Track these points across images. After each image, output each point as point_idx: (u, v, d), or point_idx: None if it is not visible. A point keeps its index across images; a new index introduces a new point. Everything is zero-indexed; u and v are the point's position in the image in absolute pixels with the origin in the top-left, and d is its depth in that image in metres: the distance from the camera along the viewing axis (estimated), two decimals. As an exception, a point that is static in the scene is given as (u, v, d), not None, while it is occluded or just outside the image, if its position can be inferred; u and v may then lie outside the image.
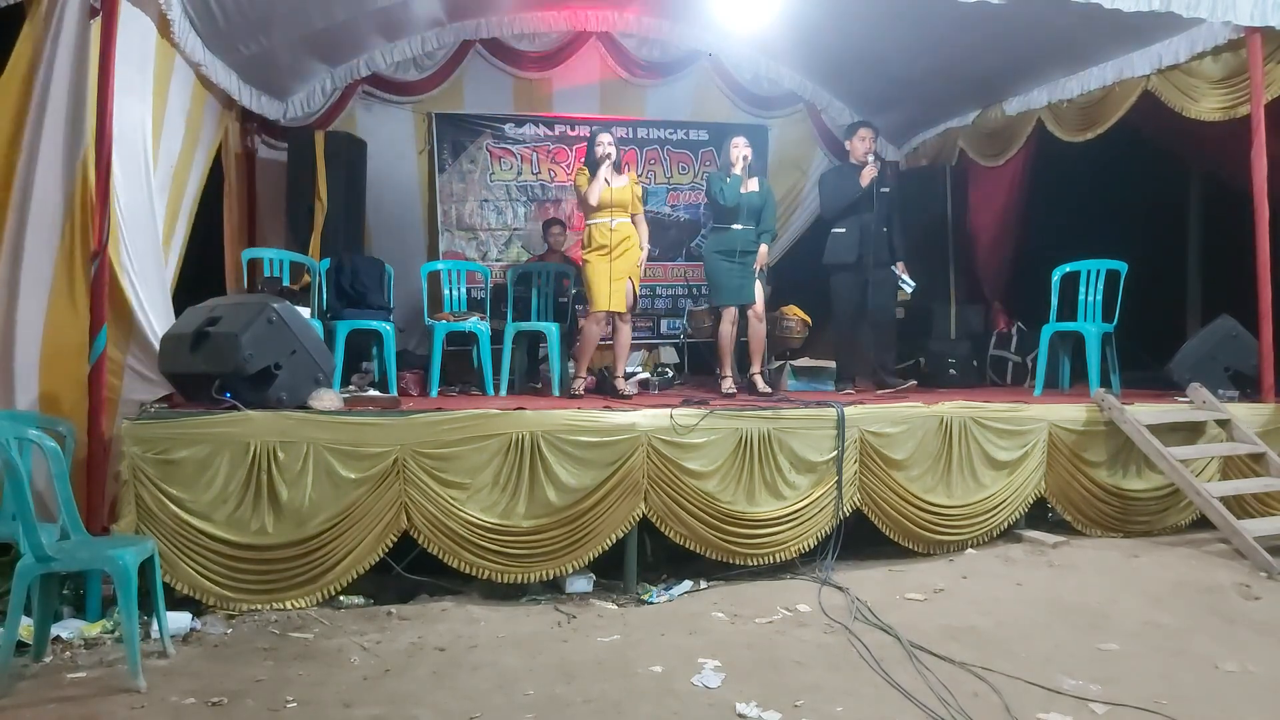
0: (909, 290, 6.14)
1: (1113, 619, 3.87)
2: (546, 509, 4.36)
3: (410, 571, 4.33)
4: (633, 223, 5.59)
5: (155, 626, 3.59)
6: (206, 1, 5.02)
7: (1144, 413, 5.04)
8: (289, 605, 4.09)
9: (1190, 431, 5.17)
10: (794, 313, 6.88)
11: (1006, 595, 4.21)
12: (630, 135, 7.99)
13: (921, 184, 7.70)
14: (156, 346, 4.36)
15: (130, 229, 4.38)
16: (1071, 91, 6.50)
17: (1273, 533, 4.59)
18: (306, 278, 5.74)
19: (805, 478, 4.70)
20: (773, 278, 7.56)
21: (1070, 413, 5.09)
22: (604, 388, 5.76)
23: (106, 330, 4.08)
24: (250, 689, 3.23)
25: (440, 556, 4.28)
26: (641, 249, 5.62)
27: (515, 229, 7.96)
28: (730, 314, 5.75)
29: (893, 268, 6.07)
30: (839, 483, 4.70)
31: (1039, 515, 5.18)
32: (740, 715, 3.01)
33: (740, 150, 5.70)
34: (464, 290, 6.47)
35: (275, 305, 4.29)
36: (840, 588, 4.33)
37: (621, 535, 4.45)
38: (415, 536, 4.26)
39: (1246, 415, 5.17)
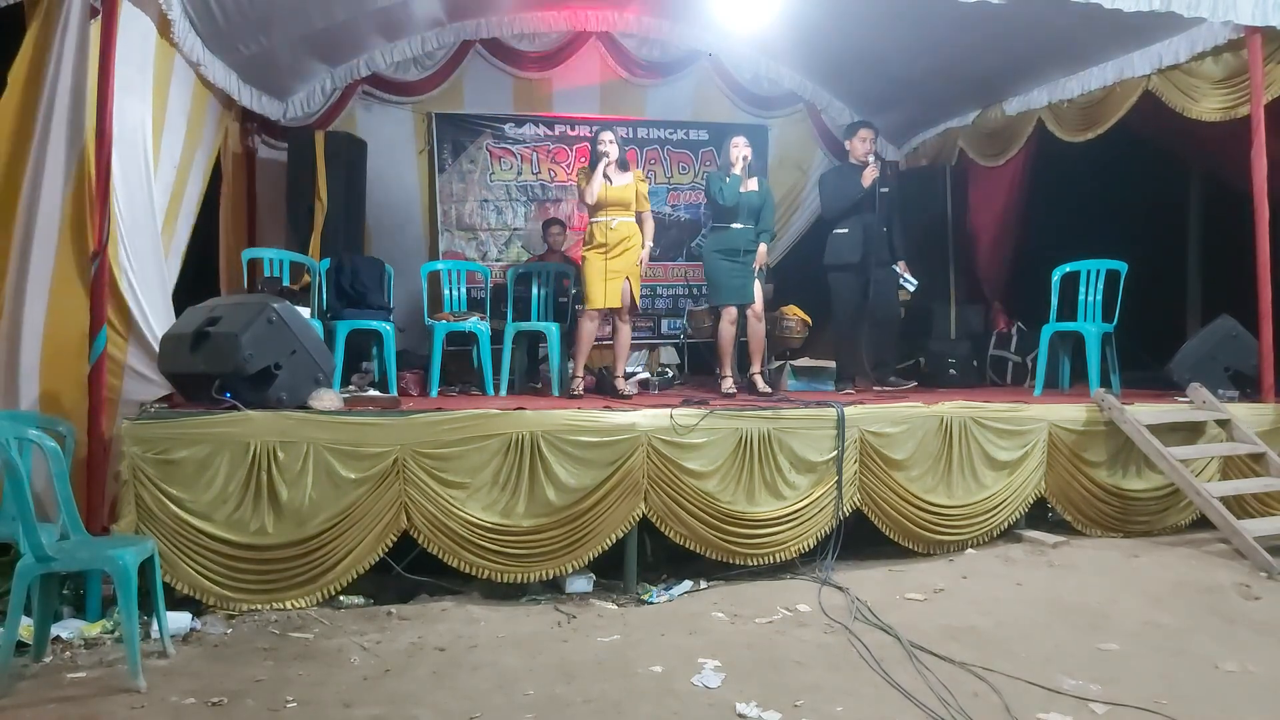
0: (911, 289, 6.15)
1: (1113, 619, 3.87)
2: (546, 509, 4.36)
3: (410, 571, 4.33)
4: (639, 220, 5.58)
5: (155, 626, 3.58)
6: (206, 1, 5.02)
7: (1144, 413, 5.04)
8: (289, 605, 4.09)
9: (1190, 431, 5.17)
10: (794, 313, 6.88)
11: (1006, 595, 4.21)
12: (630, 135, 7.98)
13: (921, 184, 7.69)
14: (156, 346, 4.36)
15: (130, 229, 4.38)
16: (1072, 91, 6.50)
17: (1273, 533, 4.59)
18: (306, 278, 5.74)
19: (805, 478, 4.70)
20: (773, 278, 7.56)
21: (1070, 413, 5.09)
22: (604, 388, 5.76)
23: (106, 330, 4.08)
24: (250, 689, 3.23)
25: (440, 556, 4.28)
26: (644, 247, 5.61)
27: (515, 229, 7.96)
28: (730, 314, 5.75)
29: (894, 267, 6.08)
30: (839, 483, 4.70)
31: (1039, 515, 5.19)
32: (740, 715, 3.01)
33: (740, 150, 5.70)
34: (464, 290, 6.47)
35: (275, 305, 4.29)
36: (840, 588, 4.33)
37: (621, 535, 4.45)
38: (415, 536, 4.26)
39: (1246, 415, 5.17)
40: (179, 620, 3.79)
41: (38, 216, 4.12)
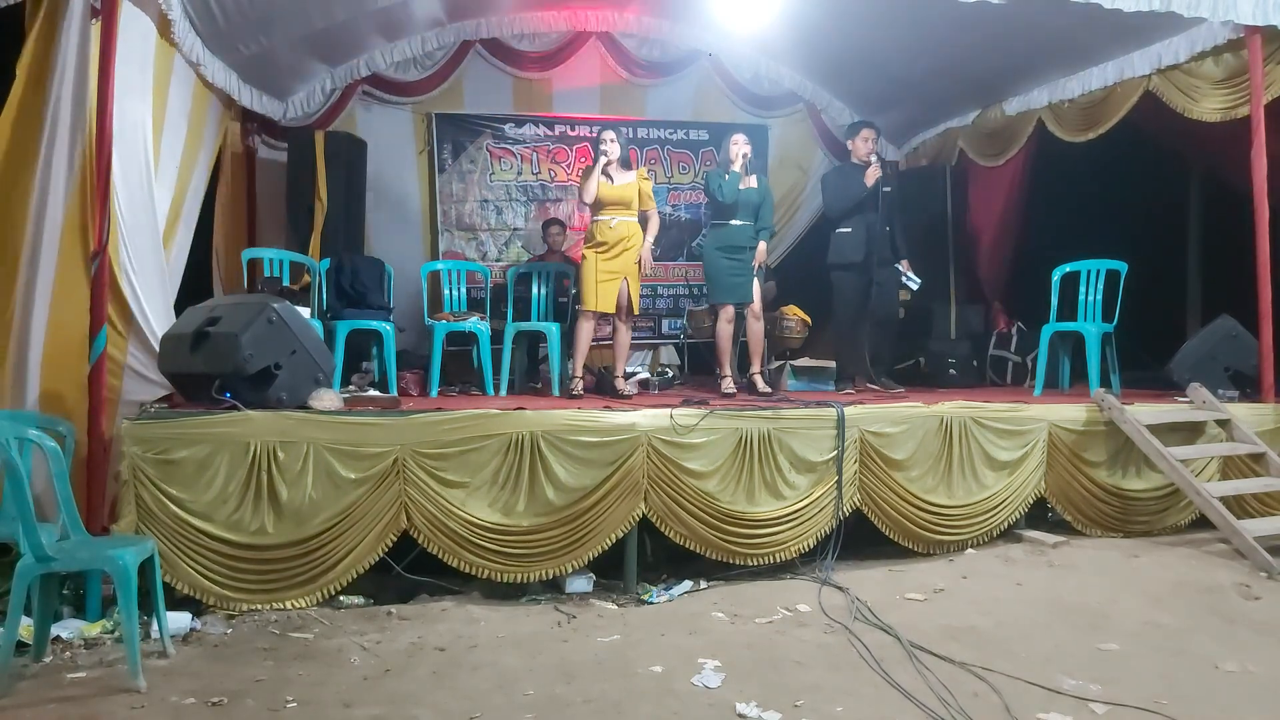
0: (914, 288, 6.15)
1: (1113, 619, 3.87)
2: (546, 508, 4.36)
3: (410, 571, 4.33)
4: (644, 219, 5.58)
5: (155, 626, 3.59)
6: (206, 1, 5.02)
7: (1144, 413, 5.04)
8: (289, 605, 4.09)
9: (1190, 431, 5.17)
10: (794, 313, 6.89)
11: (1006, 595, 4.21)
12: (630, 135, 7.92)
13: (921, 184, 7.69)
14: (156, 346, 4.36)
15: (131, 229, 4.38)
16: (1072, 91, 6.50)
17: (1273, 533, 4.59)
18: (306, 278, 5.74)
19: (805, 478, 4.70)
20: (774, 277, 7.56)
21: (1070, 413, 5.09)
22: (604, 388, 5.76)
23: (106, 330, 4.08)
24: (250, 689, 3.23)
25: (440, 556, 4.28)
26: (645, 243, 5.57)
27: (515, 229, 7.96)
28: (727, 312, 5.75)
29: (897, 265, 6.09)
30: (839, 483, 4.70)
31: (1039, 515, 5.19)
32: (740, 715, 3.01)
33: (740, 148, 5.71)
34: (464, 290, 6.47)
35: (275, 305, 4.29)
36: (840, 588, 4.33)
37: (621, 535, 4.45)
38: (415, 536, 4.26)
39: (1246, 415, 5.17)
40: (179, 620, 3.79)
41: (45, 218, 4.14)
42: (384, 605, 4.18)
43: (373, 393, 5.18)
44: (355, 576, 4.21)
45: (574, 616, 4.07)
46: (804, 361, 6.43)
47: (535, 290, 6.23)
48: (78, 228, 4.15)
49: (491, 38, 7.68)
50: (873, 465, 4.77)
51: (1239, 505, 4.83)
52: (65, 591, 3.84)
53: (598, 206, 5.47)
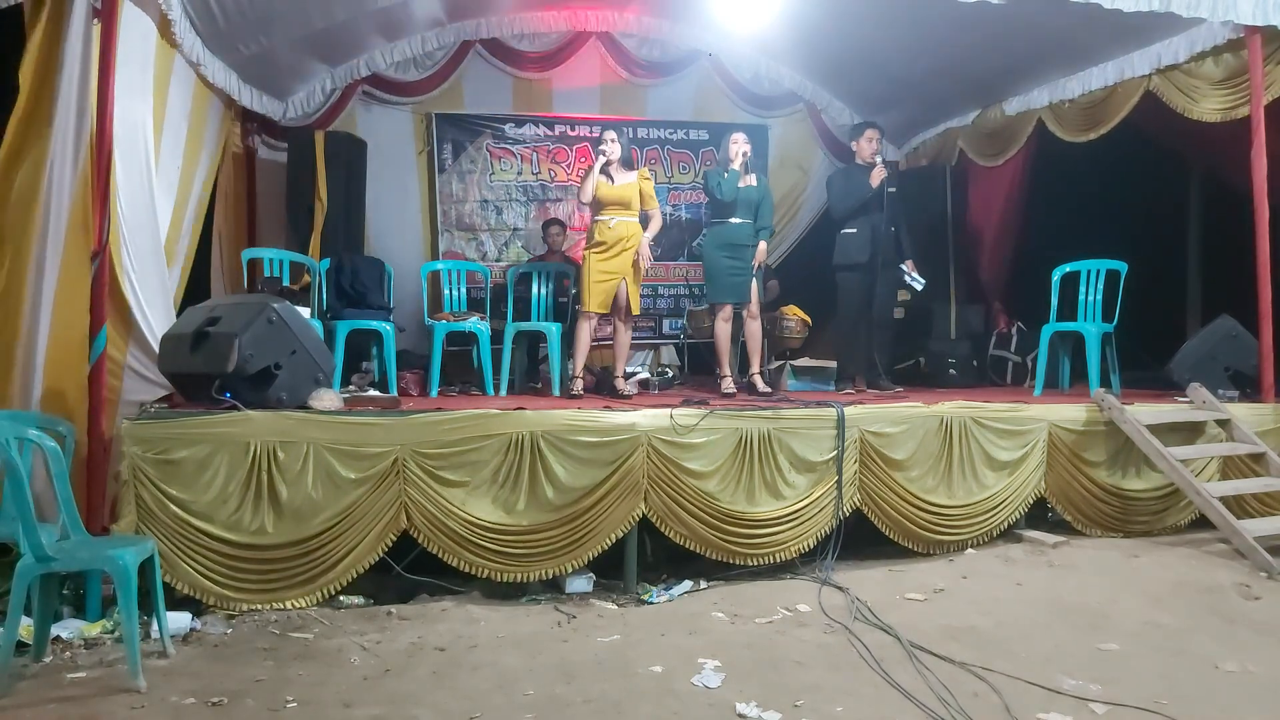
0: (919, 287, 6.16)
1: (1113, 619, 3.87)
2: (546, 508, 4.36)
3: (410, 571, 4.33)
4: (645, 218, 5.57)
5: (155, 626, 3.58)
6: (206, 1, 5.02)
7: (1144, 413, 5.04)
8: (289, 605, 4.09)
9: (1190, 431, 5.17)
10: (794, 313, 6.89)
11: (1006, 595, 4.21)
12: (631, 135, 7.93)
13: (921, 184, 7.69)
14: (156, 347, 4.36)
15: (132, 229, 4.38)
16: (1072, 91, 6.50)
17: (1273, 533, 4.59)
18: (306, 278, 5.74)
19: (805, 478, 4.70)
20: (775, 277, 7.56)
21: (1070, 413, 5.09)
22: (604, 388, 5.76)
23: (106, 330, 4.08)
24: (250, 689, 3.23)
25: (440, 555, 4.29)
26: (644, 240, 5.51)
27: (515, 229, 7.96)
28: (725, 312, 5.75)
29: (901, 266, 6.10)
30: (839, 483, 4.70)
31: (1039, 515, 5.19)
32: (740, 715, 3.01)
33: (740, 146, 5.71)
34: (464, 290, 6.47)
35: (275, 305, 4.29)
36: (840, 588, 4.33)
37: (621, 535, 4.45)
38: (415, 536, 4.26)
39: (1246, 415, 5.17)
40: (179, 620, 3.79)
41: (51, 218, 4.15)
42: (384, 605, 4.18)
43: (373, 393, 5.18)
44: (355, 576, 4.21)
45: (574, 616, 4.07)
46: (804, 361, 6.43)
47: (535, 290, 6.23)
48: (81, 228, 4.16)
49: (491, 38, 7.68)
50: (873, 465, 4.77)
51: (1239, 505, 4.83)
52: (65, 591, 3.84)
53: (597, 207, 5.47)
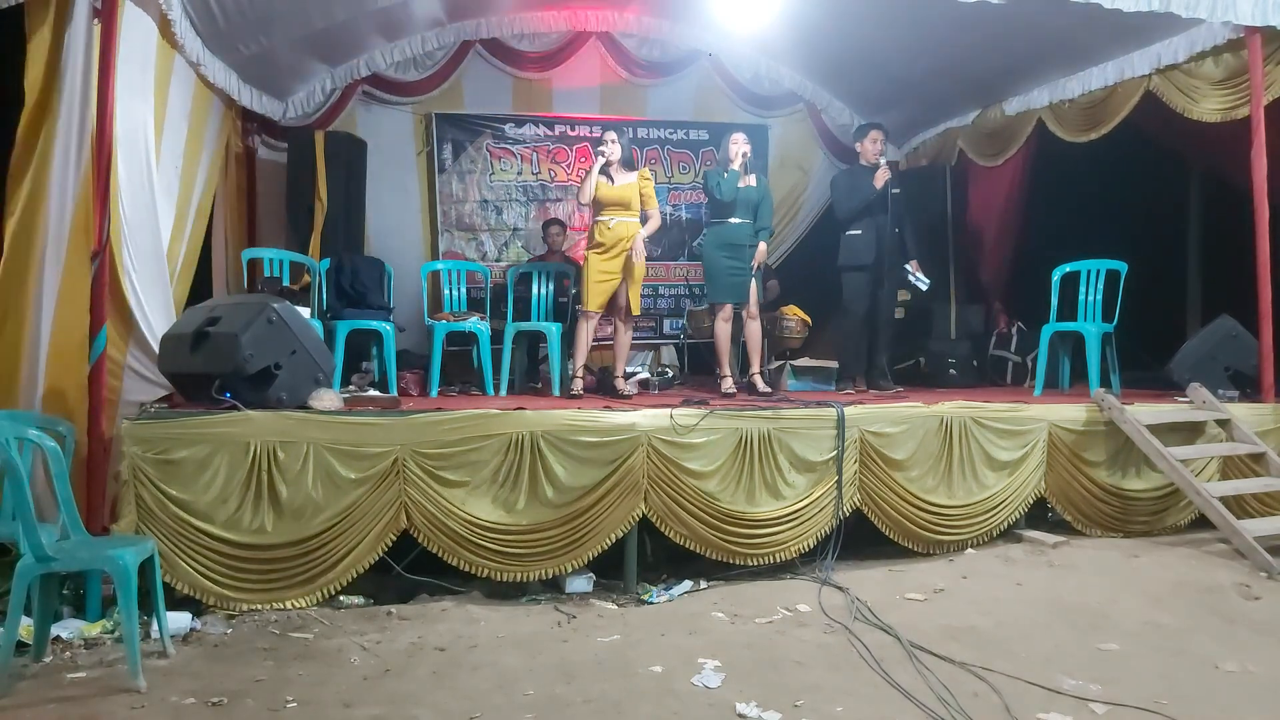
0: (924, 287, 6.17)
1: (1113, 619, 3.87)
2: (546, 508, 4.36)
3: (410, 571, 4.33)
4: (645, 218, 5.57)
5: (155, 626, 3.58)
6: (206, 1, 5.02)
7: (1144, 413, 5.04)
8: (289, 605, 4.09)
9: (1190, 431, 5.18)
10: (794, 313, 6.89)
11: (1006, 595, 4.21)
12: (631, 135, 7.93)
13: (921, 184, 7.69)
14: (156, 347, 4.36)
15: (133, 229, 4.39)
16: (1072, 91, 6.50)
17: (1273, 533, 4.59)
18: (306, 278, 5.74)
19: (805, 478, 4.70)
20: (776, 277, 7.56)
21: (1070, 413, 5.09)
22: (604, 388, 5.76)
23: (106, 330, 4.08)
24: (250, 689, 3.23)
25: (440, 555, 4.29)
26: (638, 236, 5.45)
27: (515, 229, 7.96)
28: (725, 312, 5.75)
29: (906, 266, 6.10)
30: (839, 483, 4.70)
31: (1039, 515, 5.19)
32: (740, 715, 3.01)
33: (739, 147, 5.71)
34: (464, 290, 6.47)
35: (275, 305, 4.29)
36: (840, 588, 4.33)
37: (621, 535, 4.45)
38: (415, 535, 4.26)
39: (1246, 415, 5.17)
40: (179, 620, 3.79)
41: (54, 219, 4.16)
42: (384, 605, 4.18)
43: (373, 393, 5.18)
44: (355, 576, 4.21)
45: (574, 616, 4.07)
46: (804, 361, 6.43)
47: (535, 290, 6.23)
48: (83, 228, 4.16)
49: (491, 38, 7.68)
50: (873, 465, 4.77)
51: (1239, 505, 4.83)
52: (65, 591, 3.83)
53: (598, 207, 5.47)
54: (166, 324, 4.51)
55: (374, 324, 5.76)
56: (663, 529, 4.53)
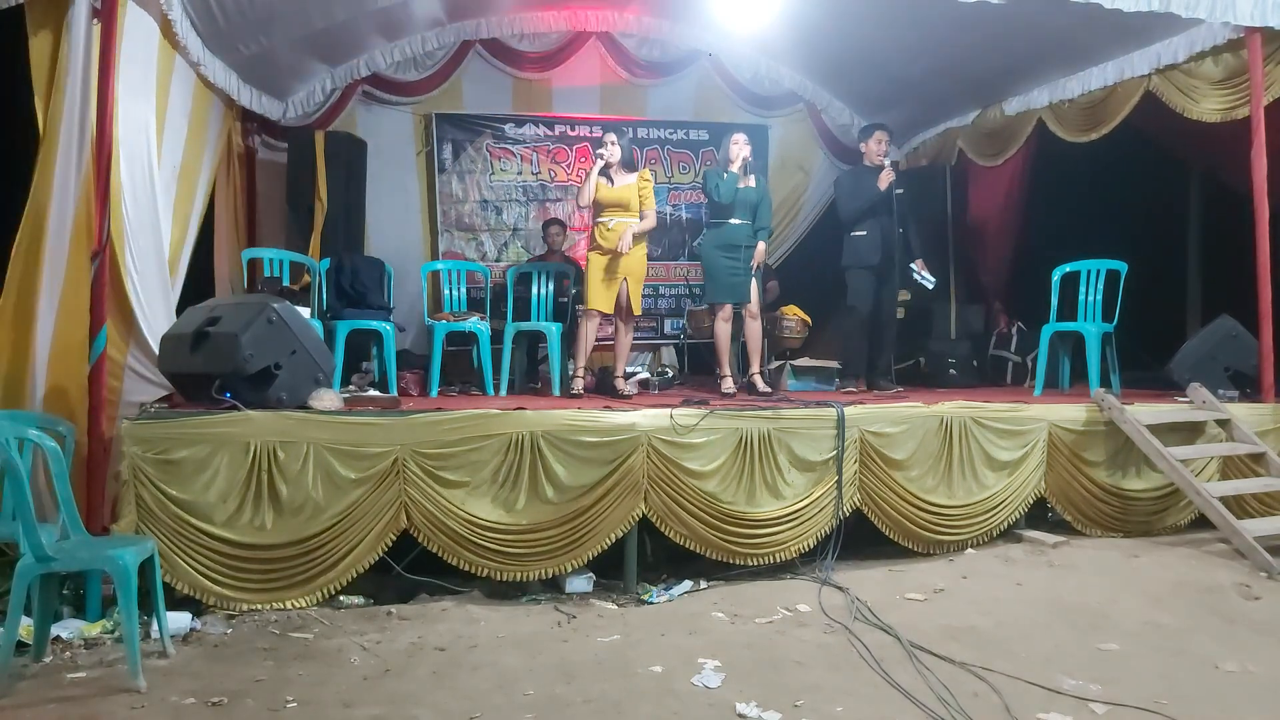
0: (930, 286, 6.17)
1: (1113, 619, 3.87)
2: (546, 508, 4.36)
3: (410, 571, 4.33)
4: (641, 219, 5.58)
5: (155, 626, 3.58)
6: (207, 2, 5.03)
7: (1144, 413, 5.04)
8: (289, 605, 4.09)
9: (1190, 431, 5.17)
10: (794, 313, 6.89)
11: (1006, 595, 4.21)
12: (631, 135, 7.93)
13: (921, 184, 7.69)
14: (156, 347, 4.36)
15: (134, 229, 4.39)
16: (1072, 91, 6.50)
17: (1273, 533, 4.59)
18: (306, 278, 5.74)
19: (805, 477, 4.70)
20: (776, 277, 7.56)
21: (1070, 413, 5.09)
22: (604, 388, 5.76)
23: (107, 330, 4.08)
24: (250, 689, 3.23)
25: (440, 555, 4.29)
26: (629, 229, 5.40)
27: (515, 229, 7.96)
28: (725, 312, 5.75)
29: (911, 265, 6.11)
30: (839, 483, 4.70)
31: (1039, 515, 5.19)
32: (740, 715, 3.01)
33: (740, 148, 5.71)
34: (464, 290, 6.47)
35: (275, 305, 4.29)
36: (840, 588, 4.33)
37: (621, 535, 4.45)
38: (415, 535, 4.26)
39: (1246, 415, 5.17)
40: (179, 620, 3.79)
41: (57, 219, 4.16)
42: (384, 605, 4.18)
43: (373, 393, 5.18)
44: (355, 576, 4.21)
45: (574, 616, 4.07)
46: (804, 361, 6.43)
47: (535, 290, 6.23)
48: (85, 229, 4.16)
49: (491, 38, 7.69)
50: (873, 465, 4.77)
51: (1239, 505, 4.83)
52: (65, 591, 3.83)
53: (598, 209, 5.48)
54: (167, 324, 4.51)
55: (374, 324, 5.76)
56: (663, 529, 4.53)
